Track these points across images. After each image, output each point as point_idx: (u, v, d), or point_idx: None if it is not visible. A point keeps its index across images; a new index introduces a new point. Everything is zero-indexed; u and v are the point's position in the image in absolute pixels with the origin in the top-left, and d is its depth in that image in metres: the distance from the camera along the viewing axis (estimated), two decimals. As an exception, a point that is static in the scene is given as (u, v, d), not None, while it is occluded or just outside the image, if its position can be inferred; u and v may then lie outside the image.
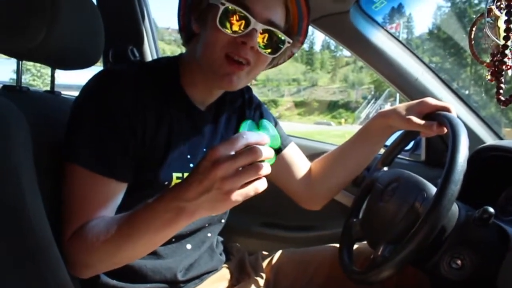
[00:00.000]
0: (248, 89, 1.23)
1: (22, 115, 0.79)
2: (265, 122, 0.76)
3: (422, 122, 1.03)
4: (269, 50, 0.95)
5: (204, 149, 1.05)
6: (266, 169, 0.66)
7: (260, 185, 0.67)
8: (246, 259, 1.28)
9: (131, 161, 0.90)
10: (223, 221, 1.16)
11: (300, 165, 1.26)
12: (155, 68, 1.02)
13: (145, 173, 0.93)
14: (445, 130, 1.04)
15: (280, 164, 1.22)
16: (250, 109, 1.21)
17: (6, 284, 0.71)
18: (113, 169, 0.88)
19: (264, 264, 1.26)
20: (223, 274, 1.19)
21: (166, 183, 0.96)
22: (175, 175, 0.97)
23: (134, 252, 0.81)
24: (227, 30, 0.90)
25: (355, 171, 1.25)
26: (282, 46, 0.96)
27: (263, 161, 0.66)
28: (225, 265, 1.21)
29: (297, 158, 1.26)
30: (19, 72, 0.99)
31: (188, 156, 1.00)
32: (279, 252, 1.30)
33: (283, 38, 0.95)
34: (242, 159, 0.64)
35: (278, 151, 1.21)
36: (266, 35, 0.93)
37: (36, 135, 0.81)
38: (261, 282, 1.18)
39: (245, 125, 0.72)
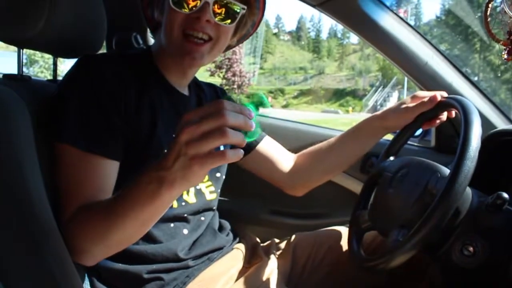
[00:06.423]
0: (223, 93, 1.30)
1: (23, 103, 0.78)
2: (261, 95, 0.67)
3: (426, 98, 1.09)
4: (227, 21, 0.99)
5: None
6: (235, 135, 0.60)
7: (232, 154, 0.62)
8: (259, 246, 1.29)
9: (119, 139, 0.92)
10: (214, 208, 1.18)
11: (279, 157, 1.29)
12: (131, 54, 1.09)
13: (136, 154, 0.95)
14: (453, 113, 1.06)
15: (259, 158, 1.27)
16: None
17: (9, 272, 0.70)
18: (103, 146, 0.89)
19: (281, 246, 1.28)
20: (235, 255, 1.19)
21: None
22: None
23: (124, 232, 0.77)
24: (181, 9, 0.95)
25: (339, 167, 1.30)
26: (237, 14, 1.00)
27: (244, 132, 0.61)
28: (237, 247, 1.22)
29: (275, 150, 1.30)
30: (20, 61, 0.98)
31: (174, 135, 1.01)
32: (294, 236, 1.31)
33: (236, 5, 0.98)
34: (207, 123, 0.60)
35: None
36: (220, 5, 0.97)
37: (38, 122, 0.79)
38: (274, 264, 1.17)
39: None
